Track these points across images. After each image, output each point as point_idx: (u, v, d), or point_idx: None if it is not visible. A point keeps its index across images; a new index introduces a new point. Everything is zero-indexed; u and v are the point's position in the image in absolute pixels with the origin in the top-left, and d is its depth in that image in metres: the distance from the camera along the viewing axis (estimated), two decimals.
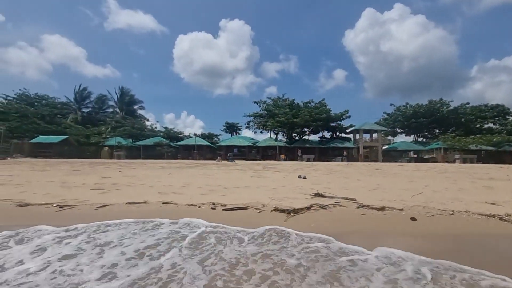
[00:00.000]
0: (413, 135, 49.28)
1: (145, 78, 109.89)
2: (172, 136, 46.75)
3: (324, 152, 40.70)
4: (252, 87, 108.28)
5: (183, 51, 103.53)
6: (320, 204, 5.67)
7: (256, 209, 5.38)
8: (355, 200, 6.17)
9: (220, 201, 5.98)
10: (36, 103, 44.74)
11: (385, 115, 50.54)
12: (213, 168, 12.42)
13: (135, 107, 56.15)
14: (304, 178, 9.14)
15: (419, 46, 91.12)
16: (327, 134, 46.11)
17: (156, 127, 50.86)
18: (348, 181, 8.72)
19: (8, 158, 25.68)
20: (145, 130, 46.82)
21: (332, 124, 43.35)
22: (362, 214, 5.09)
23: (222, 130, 64.51)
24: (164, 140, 41.55)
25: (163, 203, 5.73)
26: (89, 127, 43.34)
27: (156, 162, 18.01)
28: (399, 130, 49.18)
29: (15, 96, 44.79)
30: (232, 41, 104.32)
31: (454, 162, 33.97)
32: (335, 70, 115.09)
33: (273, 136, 45.64)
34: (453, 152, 35.93)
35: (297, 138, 44.73)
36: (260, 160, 37.38)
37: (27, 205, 5.37)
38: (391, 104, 50.53)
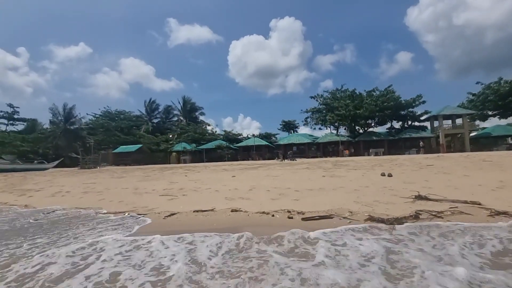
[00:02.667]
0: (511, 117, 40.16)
1: (203, 86, 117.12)
2: (231, 138, 48.17)
3: (394, 145, 36.30)
4: (306, 83, 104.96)
5: (237, 56, 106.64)
6: (431, 211, 4.25)
7: (344, 217, 4.29)
8: (480, 204, 4.53)
9: (294, 207, 5.08)
10: (116, 118, 51.35)
11: (470, 96, 42.37)
12: (278, 168, 11.62)
13: (196, 113, 59.90)
14: (390, 175, 7.57)
15: (507, 11, 74.53)
16: (396, 125, 41.18)
17: (216, 131, 53.30)
18: (452, 178, 6.85)
19: (98, 167, 29.71)
20: (206, 134, 49.34)
21: (402, 113, 38.38)
22: None
23: (279, 129, 63.90)
24: (224, 142, 42.94)
25: (232, 211, 5.11)
26: (158, 135, 47.73)
27: (219, 165, 18.17)
28: (490, 113, 40.58)
29: (101, 114, 52.27)
30: (283, 39, 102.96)
31: None
32: (398, 53, 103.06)
33: (334, 131, 42.92)
34: None
35: (361, 131, 41.08)
36: (321, 157, 35.37)
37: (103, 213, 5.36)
38: (477, 83, 42.04)
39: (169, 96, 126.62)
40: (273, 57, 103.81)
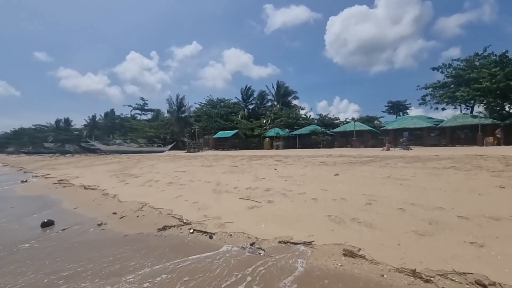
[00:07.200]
0: None
1: (298, 70, 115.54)
2: (327, 123, 44.51)
3: None
4: (421, 55, 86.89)
5: (335, 34, 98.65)
6: None
7: None
8: None
9: (480, 266, 2.39)
10: (217, 106, 55.71)
11: None
12: (401, 166, 8.30)
13: (289, 98, 58.45)
14: None
15: None
16: None
17: (310, 115, 50.56)
18: None
19: (200, 151, 32.41)
20: (300, 119, 47.26)
21: None
22: None
23: (383, 112, 55.57)
24: (319, 127, 39.82)
25: (344, 254, 2.85)
26: (253, 120, 48.90)
27: (315, 155, 15.83)
28: None
29: (205, 102, 57.87)
30: (393, 4, 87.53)
31: None
32: None
33: (465, 111, 32.99)
34: None
35: (511, 111, 29.87)
36: (446, 145, 27.63)
37: (164, 228, 4.03)
38: None
39: (265, 82, 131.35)
40: (379, 28, 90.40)
